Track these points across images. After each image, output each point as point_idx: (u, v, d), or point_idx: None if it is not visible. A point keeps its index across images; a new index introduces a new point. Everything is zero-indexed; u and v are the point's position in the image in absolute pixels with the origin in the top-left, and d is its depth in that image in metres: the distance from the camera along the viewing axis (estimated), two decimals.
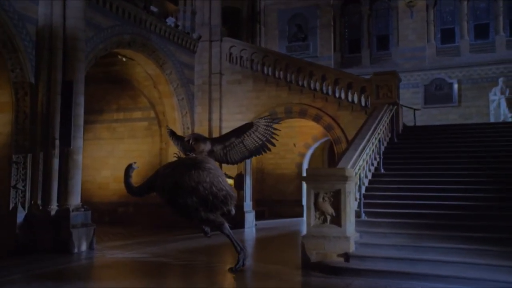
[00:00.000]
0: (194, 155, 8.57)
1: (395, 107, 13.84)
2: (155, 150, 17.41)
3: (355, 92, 15.13)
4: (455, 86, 20.04)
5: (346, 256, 7.96)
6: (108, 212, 17.48)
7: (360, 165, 9.53)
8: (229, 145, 8.90)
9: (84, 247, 10.41)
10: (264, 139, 8.81)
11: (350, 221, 8.25)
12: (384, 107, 13.45)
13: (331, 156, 28.85)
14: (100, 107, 17.96)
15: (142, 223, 16.76)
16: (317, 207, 8.31)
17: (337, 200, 8.18)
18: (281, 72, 16.11)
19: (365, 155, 10.14)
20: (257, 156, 9.39)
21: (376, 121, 12.27)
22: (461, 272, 6.99)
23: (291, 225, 17.72)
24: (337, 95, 15.40)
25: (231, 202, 8.04)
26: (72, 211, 10.31)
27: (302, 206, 21.52)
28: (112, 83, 17.49)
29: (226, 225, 8.10)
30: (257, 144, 8.86)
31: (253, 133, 8.80)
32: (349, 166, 9.13)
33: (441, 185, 9.79)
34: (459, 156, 11.16)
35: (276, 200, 21.38)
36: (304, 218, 20.68)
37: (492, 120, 18.47)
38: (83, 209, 10.68)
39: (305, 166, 22.06)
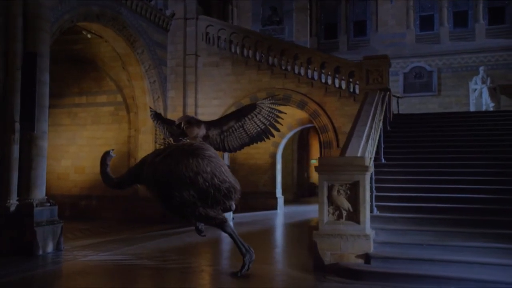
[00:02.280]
0: (188, 140, 7.34)
1: (388, 93, 13.04)
2: (122, 138, 15.90)
3: (343, 77, 14.20)
4: (435, 74, 19.52)
5: (367, 257, 6.97)
6: (69, 206, 15.84)
7: (368, 155, 8.58)
8: (227, 129, 7.74)
9: (50, 248, 8.94)
10: (267, 123, 7.70)
11: (367, 217, 7.26)
12: (377, 93, 12.60)
13: (300, 146, 28.16)
14: (60, 90, 16.15)
15: (108, 217, 15.30)
16: (331, 201, 7.28)
17: (354, 193, 7.17)
18: (263, 55, 14.96)
19: (370, 143, 9.22)
20: (257, 143, 8.28)
21: (373, 107, 11.37)
22: (508, 276, 6.12)
23: (268, 218, 16.74)
24: (323, 80, 14.43)
25: (235, 196, 6.88)
26: (36, 206, 8.81)
27: (276, 198, 20.58)
28: (73, 63, 15.78)
29: (229, 223, 6.94)
30: (259, 129, 7.74)
31: (256, 116, 7.67)
32: (359, 155, 8.17)
33: (453, 176, 8.97)
34: (465, 145, 10.42)
35: (248, 192, 20.13)
36: (278, 210, 20.02)
37: (472, 109, 18.07)
38: (48, 204, 9.19)
39: (279, 156, 21.08)
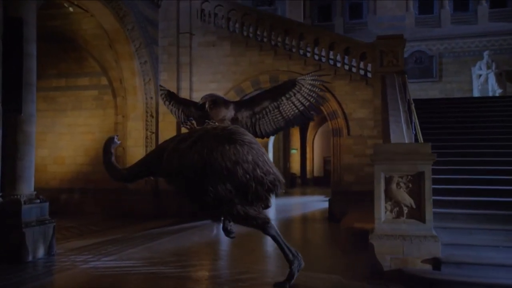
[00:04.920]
0: (215, 123, 6.06)
1: (405, 76, 12.05)
2: (108, 125, 14.37)
3: (354, 59, 13.07)
4: (436, 59, 18.67)
5: (435, 262, 5.89)
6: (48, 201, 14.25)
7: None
8: (260, 111, 6.48)
9: (41, 252, 7.52)
10: (307, 103, 6.47)
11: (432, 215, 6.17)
12: (395, 76, 11.60)
13: (284, 135, 27.09)
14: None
15: (92, 213, 13.86)
16: (389, 195, 6.18)
17: (418, 187, 6.09)
18: (265, 34, 13.68)
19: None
20: (293, 127, 7.12)
21: (397, 90, 10.39)
22: None
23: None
24: (332, 62, 13.29)
25: (279, 190, 5.64)
26: (24, 203, 7.35)
27: None
28: (51, 42, 14.05)
29: (272, 223, 5.71)
30: (296, 111, 6.50)
31: (295, 95, 6.44)
32: (406, 142, 7.12)
33: (503, 166, 7.98)
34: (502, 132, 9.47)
35: None
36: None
37: (476, 96, 17.31)
38: (38, 200, 7.74)
39: (271, 145, 20.00)
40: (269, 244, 9.02)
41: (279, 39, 13.56)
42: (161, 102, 13.86)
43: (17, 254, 7.11)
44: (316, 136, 32.91)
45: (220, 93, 13.68)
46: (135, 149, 13.58)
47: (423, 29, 19.08)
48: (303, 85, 6.42)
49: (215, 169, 5.28)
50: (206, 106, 6.36)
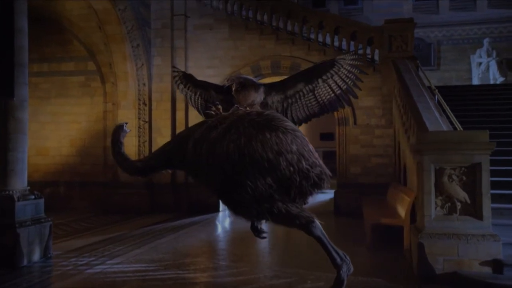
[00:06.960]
0: (246, 108, 5.28)
1: (417, 61, 11.48)
2: (96, 114, 13.42)
3: (361, 44, 12.39)
4: (434, 47, 18.17)
5: (496, 265, 5.27)
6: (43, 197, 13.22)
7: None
8: (293, 95, 5.72)
9: (37, 255, 6.64)
10: (345, 86, 5.72)
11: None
12: (406, 62, 11.02)
13: None
14: None
15: (80, 208, 12.96)
16: (440, 189, 5.52)
17: (473, 179, 5.44)
18: (266, 17, 12.87)
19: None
20: (327, 113, 6.35)
21: (415, 76, 9.80)
22: None
23: None
24: (336, 47, 12.58)
25: (326, 185, 4.90)
26: (18, 199, 6.45)
27: None
28: (32, 23, 12.86)
29: (317, 222, 4.95)
30: (332, 95, 5.74)
31: (332, 76, 5.66)
32: (445, 129, 6.49)
33: None
34: None
35: None
36: None
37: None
38: (33, 196, 6.84)
39: None
40: (288, 242, 8.36)
41: (281, 23, 12.78)
42: (154, 88, 13.05)
43: (11, 258, 6.22)
44: (303, 126, 32.34)
45: (218, 79, 12.91)
46: (127, 139, 12.36)
47: (421, 15, 18.46)
48: (342, 66, 5.66)
49: (254, 161, 4.48)
50: (234, 89, 5.56)
